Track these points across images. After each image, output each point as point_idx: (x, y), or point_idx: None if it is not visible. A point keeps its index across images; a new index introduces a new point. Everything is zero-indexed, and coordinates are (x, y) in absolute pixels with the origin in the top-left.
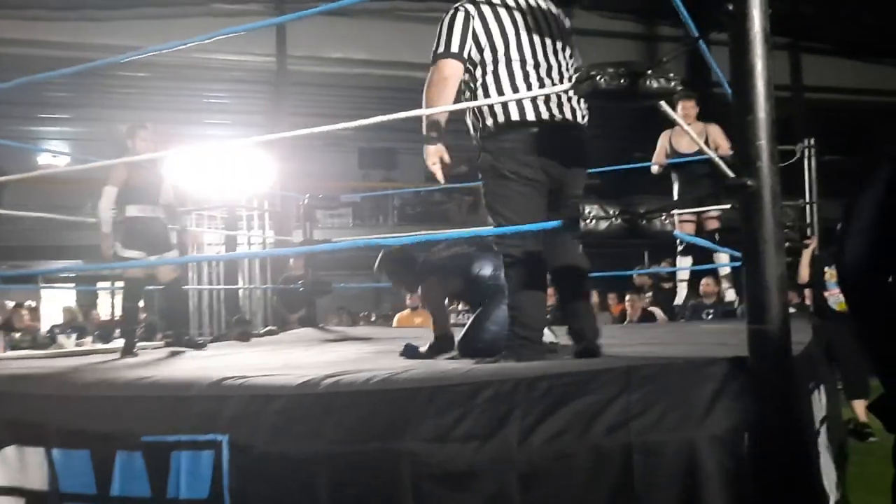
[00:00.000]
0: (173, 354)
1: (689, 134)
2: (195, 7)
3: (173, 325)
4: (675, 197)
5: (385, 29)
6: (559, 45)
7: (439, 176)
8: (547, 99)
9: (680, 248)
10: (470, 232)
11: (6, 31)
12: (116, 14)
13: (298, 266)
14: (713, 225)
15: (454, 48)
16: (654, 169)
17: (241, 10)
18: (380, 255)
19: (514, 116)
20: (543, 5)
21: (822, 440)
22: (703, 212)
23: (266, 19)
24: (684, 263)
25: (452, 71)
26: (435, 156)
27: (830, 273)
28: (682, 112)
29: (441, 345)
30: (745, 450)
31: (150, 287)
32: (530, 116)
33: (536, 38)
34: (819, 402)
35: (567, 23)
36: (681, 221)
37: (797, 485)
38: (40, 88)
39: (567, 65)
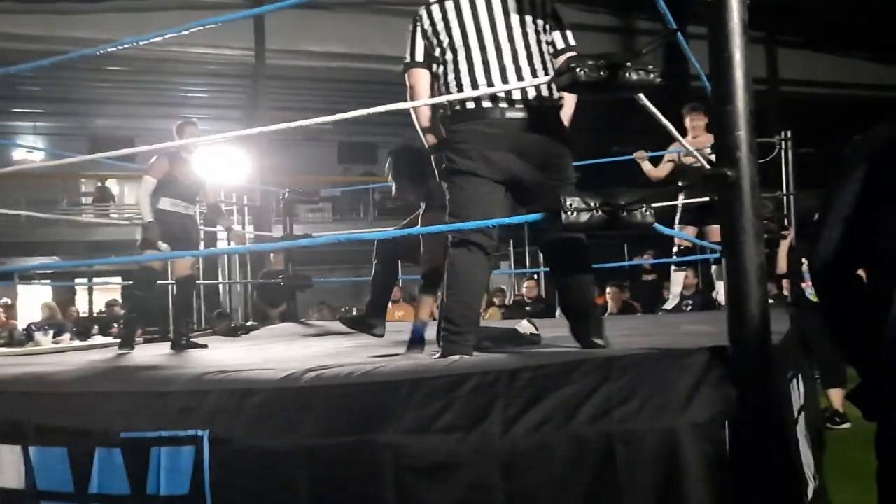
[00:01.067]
0: (174, 355)
1: (687, 148)
2: (172, 0)
3: (176, 323)
4: (679, 208)
5: (362, 22)
6: (516, 22)
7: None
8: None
9: (674, 267)
10: (446, 227)
11: None
12: (92, 7)
13: (278, 261)
14: (715, 237)
15: (414, 56)
16: (653, 174)
17: (218, 3)
18: (394, 150)
19: (457, 107)
20: None
21: (801, 428)
22: (708, 223)
23: (242, 12)
24: (678, 278)
25: (417, 79)
26: (440, 163)
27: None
28: (691, 124)
29: (433, 279)
30: (726, 438)
31: (161, 282)
32: (470, 107)
33: (486, 26)
34: (797, 391)
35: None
36: (683, 226)
37: (777, 471)
38: (13, 82)
39: (527, 40)
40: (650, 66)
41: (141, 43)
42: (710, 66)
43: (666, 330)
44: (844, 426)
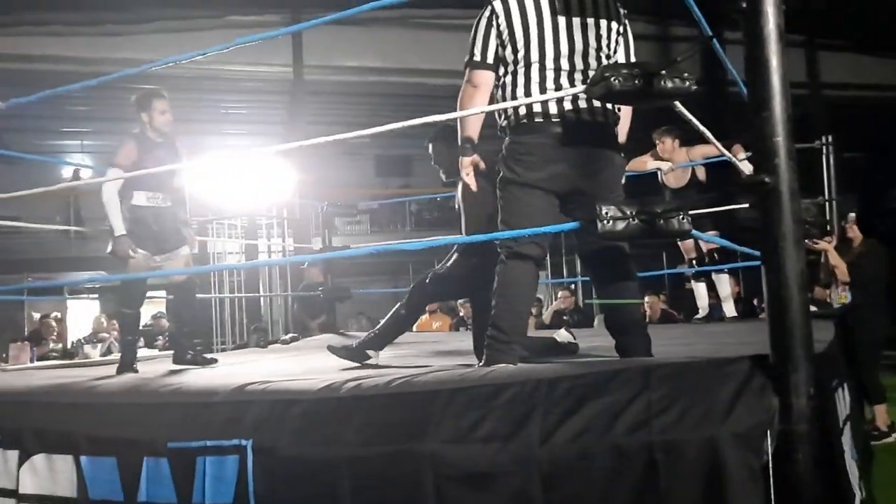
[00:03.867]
0: (174, 373)
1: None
2: (211, 20)
3: (177, 335)
4: None
5: (397, 37)
6: (592, 32)
7: (472, 185)
8: (560, 101)
9: (693, 279)
10: (486, 237)
11: (25, 48)
12: (134, 28)
13: (316, 273)
14: (711, 245)
15: (482, 56)
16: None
17: (256, 22)
18: (436, 130)
19: (524, 119)
20: None
21: (847, 438)
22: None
23: (281, 29)
24: (700, 288)
25: (482, 80)
26: (469, 166)
27: None
28: (661, 147)
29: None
30: (768, 447)
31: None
32: (539, 119)
33: (563, 31)
34: (843, 400)
35: (610, 3)
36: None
37: (822, 482)
38: (62, 103)
39: (599, 54)
40: (686, 74)
41: (182, 61)
42: (745, 72)
43: (706, 339)
44: (888, 440)
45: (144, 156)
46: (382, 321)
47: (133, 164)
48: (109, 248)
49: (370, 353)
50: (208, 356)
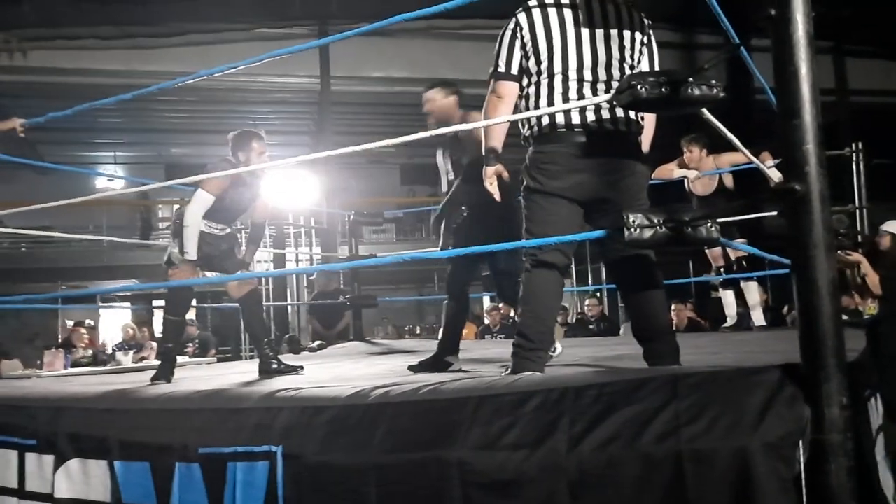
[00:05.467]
0: (206, 379)
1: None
2: (240, 33)
3: (258, 347)
4: None
5: (423, 47)
6: (615, 43)
7: (496, 194)
8: (582, 111)
9: (720, 287)
10: (510, 245)
11: (60, 62)
12: (164, 42)
13: (326, 283)
14: (739, 253)
15: (506, 68)
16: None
17: (284, 34)
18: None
19: (546, 129)
20: (605, 0)
21: (880, 449)
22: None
23: (309, 42)
24: (728, 297)
25: (507, 91)
26: (493, 176)
27: None
28: (688, 156)
29: None
30: (800, 458)
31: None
32: (562, 129)
33: (586, 43)
34: (876, 410)
35: (634, 13)
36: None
37: (856, 494)
38: (95, 115)
39: (623, 65)
40: (713, 81)
41: (214, 74)
42: (774, 80)
43: (734, 348)
44: None
45: (230, 190)
46: (442, 327)
47: (219, 195)
48: (173, 268)
49: (450, 359)
50: (294, 364)
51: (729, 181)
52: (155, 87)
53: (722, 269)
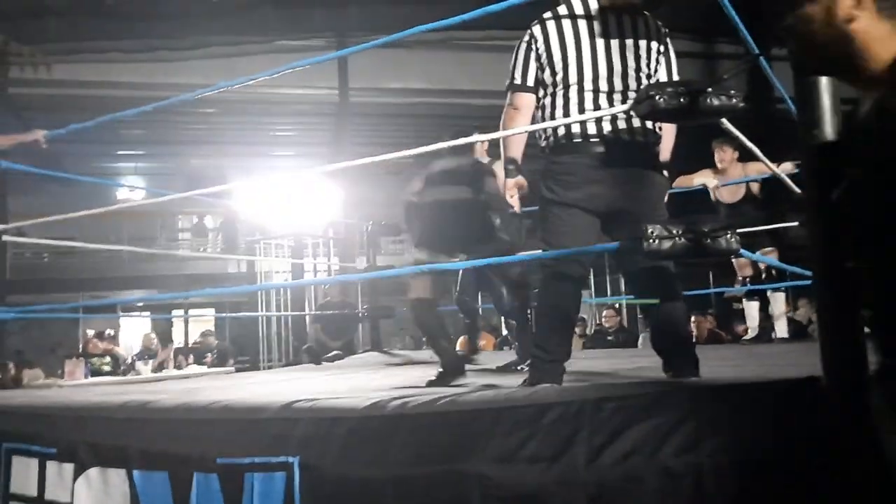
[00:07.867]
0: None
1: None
2: (259, 45)
3: (436, 350)
4: None
5: (441, 58)
6: (631, 53)
7: (517, 206)
8: (598, 121)
9: (744, 299)
10: (527, 255)
11: (84, 74)
12: (186, 54)
13: (335, 293)
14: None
15: (522, 80)
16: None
17: (303, 46)
18: None
19: (563, 139)
20: (620, 11)
21: None
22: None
23: (328, 54)
24: (752, 309)
25: (524, 102)
26: (514, 188)
27: None
28: (720, 156)
29: None
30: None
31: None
32: (578, 139)
33: (601, 53)
34: None
35: (650, 23)
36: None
37: None
38: (117, 127)
39: (639, 75)
40: (732, 91)
41: (234, 86)
42: (794, 90)
43: (756, 360)
44: None
45: None
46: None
47: None
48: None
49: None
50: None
51: (756, 189)
52: (176, 98)
53: (748, 280)
